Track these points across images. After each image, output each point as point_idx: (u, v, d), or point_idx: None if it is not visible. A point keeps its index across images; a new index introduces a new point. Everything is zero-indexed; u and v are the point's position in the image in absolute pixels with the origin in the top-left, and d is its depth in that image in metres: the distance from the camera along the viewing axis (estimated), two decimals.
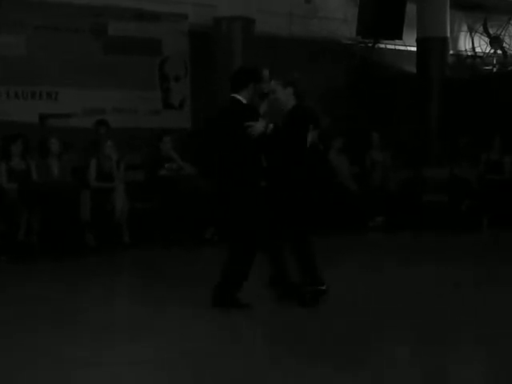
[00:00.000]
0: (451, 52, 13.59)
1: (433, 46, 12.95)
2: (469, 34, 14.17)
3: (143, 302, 6.39)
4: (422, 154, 12.46)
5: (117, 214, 9.16)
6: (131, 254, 8.96)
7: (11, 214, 8.52)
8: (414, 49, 13.20)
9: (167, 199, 9.47)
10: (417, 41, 13.11)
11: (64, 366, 4.59)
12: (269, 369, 4.56)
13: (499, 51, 14.06)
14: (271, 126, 5.84)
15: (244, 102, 6.00)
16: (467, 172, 11.34)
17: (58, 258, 8.37)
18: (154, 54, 10.93)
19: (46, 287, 7.03)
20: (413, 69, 13.33)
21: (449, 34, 13.24)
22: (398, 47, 13.10)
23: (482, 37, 14.15)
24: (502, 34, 14.09)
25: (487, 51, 14.08)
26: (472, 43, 14.16)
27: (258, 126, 5.81)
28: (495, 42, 14.09)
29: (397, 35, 12.41)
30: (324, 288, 5.93)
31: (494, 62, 13.92)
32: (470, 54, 14.11)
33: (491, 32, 14.09)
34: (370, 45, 12.90)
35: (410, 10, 12.55)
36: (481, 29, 14.10)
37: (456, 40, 14.08)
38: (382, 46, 13.00)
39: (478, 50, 14.11)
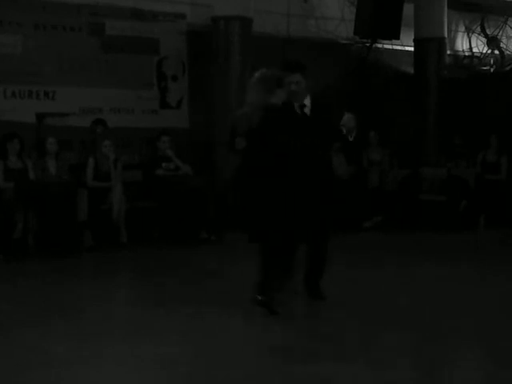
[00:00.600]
0: (448, 52, 13.59)
1: (430, 46, 12.96)
2: (466, 34, 14.18)
3: (141, 302, 6.37)
4: (419, 154, 12.48)
5: (114, 213, 9.14)
6: (128, 254, 8.95)
7: (8, 213, 8.49)
8: (412, 49, 13.21)
9: (164, 199, 9.46)
10: (414, 41, 13.11)
11: (63, 365, 4.57)
12: (270, 370, 4.55)
13: (496, 51, 14.08)
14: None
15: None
16: (464, 172, 11.36)
17: (55, 257, 8.35)
18: (152, 53, 10.90)
19: (43, 286, 7.01)
20: (410, 69, 13.34)
21: (446, 34, 13.25)
22: (395, 47, 13.09)
23: (480, 37, 14.17)
24: (500, 34, 14.11)
25: (484, 51, 14.09)
26: (469, 43, 14.18)
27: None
28: (492, 42, 14.10)
29: (394, 35, 12.40)
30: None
31: (492, 62, 13.93)
32: (467, 54, 14.12)
33: (488, 32, 14.12)
34: (367, 45, 12.88)
35: (408, 10, 12.54)
36: (478, 29, 14.12)
37: (453, 40, 14.09)
38: (380, 46, 12.99)
39: (475, 50, 14.12)
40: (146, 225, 9.58)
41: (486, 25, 14.03)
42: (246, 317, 5.77)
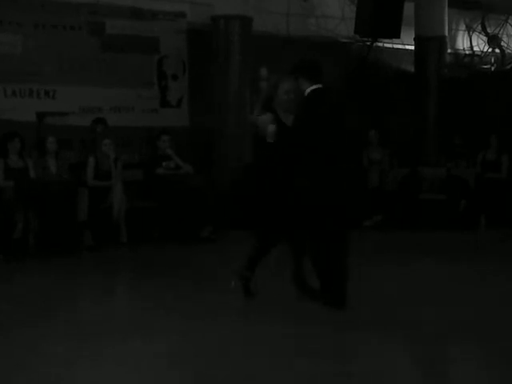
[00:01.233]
0: (449, 51, 13.59)
1: (431, 44, 12.95)
2: (467, 32, 14.17)
3: (141, 302, 6.37)
4: (419, 153, 12.47)
5: (114, 212, 9.14)
6: (128, 253, 8.95)
7: (8, 212, 8.49)
8: (412, 47, 13.20)
9: (165, 198, 9.45)
10: (415, 39, 13.10)
11: (63, 365, 4.57)
12: (270, 370, 4.55)
13: (497, 50, 14.07)
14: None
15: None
16: (464, 172, 11.35)
17: (55, 256, 8.34)
18: (152, 52, 10.91)
19: (43, 286, 7.00)
20: (411, 67, 13.33)
21: (447, 33, 13.24)
22: (395, 46, 13.09)
23: (480, 35, 14.16)
24: (500, 32, 14.10)
25: (485, 50, 14.08)
26: (470, 42, 14.17)
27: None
28: (493, 40, 14.09)
29: (395, 34, 12.39)
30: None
31: (492, 60, 13.92)
32: (467, 52, 14.11)
33: (489, 31, 14.10)
34: (367, 43, 12.89)
35: (408, 8, 12.53)
36: (479, 27, 14.11)
37: (454, 39, 14.08)
38: (380, 44, 12.99)
39: (475, 48, 14.11)
40: (147, 224, 9.58)
41: (486, 23, 14.02)
42: (247, 316, 5.77)
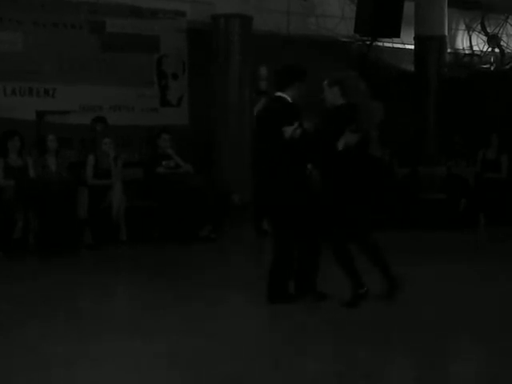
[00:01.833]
0: (449, 50, 13.59)
1: (430, 44, 12.95)
2: (466, 32, 14.17)
3: (141, 301, 6.37)
4: (419, 153, 12.46)
5: (114, 211, 9.14)
6: (128, 252, 8.94)
7: (8, 211, 8.49)
8: (412, 47, 13.20)
9: (165, 197, 9.45)
10: (415, 39, 13.10)
11: (63, 365, 4.57)
12: (270, 370, 4.55)
13: (497, 49, 14.07)
14: (299, 131, 5.76)
15: (289, 100, 5.95)
16: (464, 171, 11.35)
17: (55, 255, 8.34)
18: (152, 51, 10.90)
19: (43, 286, 7.00)
20: (410, 67, 13.33)
21: (446, 33, 13.24)
22: (395, 45, 13.09)
23: (480, 35, 14.16)
24: (500, 32, 14.10)
25: (485, 49, 14.09)
26: (470, 41, 14.17)
27: (287, 130, 5.76)
28: (493, 40, 14.09)
29: (395, 33, 12.40)
30: (364, 291, 5.95)
31: (492, 60, 13.92)
32: (467, 52, 14.12)
33: (489, 30, 14.10)
34: (367, 43, 12.88)
35: (408, 8, 12.53)
36: (478, 27, 14.12)
37: (454, 38, 14.08)
38: (380, 44, 12.99)
39: (475, 48, 14.12)
40: (146, 223, 9.57)
41: (486, 23, 14.03)
42: (247, 316, 5.77)
